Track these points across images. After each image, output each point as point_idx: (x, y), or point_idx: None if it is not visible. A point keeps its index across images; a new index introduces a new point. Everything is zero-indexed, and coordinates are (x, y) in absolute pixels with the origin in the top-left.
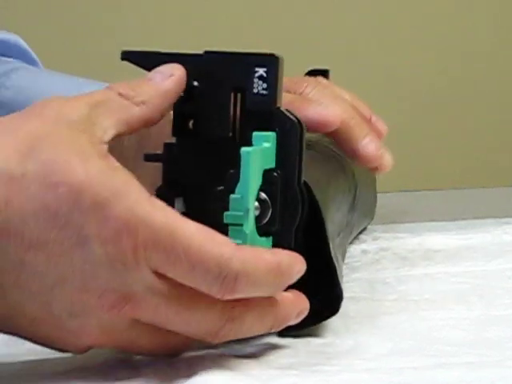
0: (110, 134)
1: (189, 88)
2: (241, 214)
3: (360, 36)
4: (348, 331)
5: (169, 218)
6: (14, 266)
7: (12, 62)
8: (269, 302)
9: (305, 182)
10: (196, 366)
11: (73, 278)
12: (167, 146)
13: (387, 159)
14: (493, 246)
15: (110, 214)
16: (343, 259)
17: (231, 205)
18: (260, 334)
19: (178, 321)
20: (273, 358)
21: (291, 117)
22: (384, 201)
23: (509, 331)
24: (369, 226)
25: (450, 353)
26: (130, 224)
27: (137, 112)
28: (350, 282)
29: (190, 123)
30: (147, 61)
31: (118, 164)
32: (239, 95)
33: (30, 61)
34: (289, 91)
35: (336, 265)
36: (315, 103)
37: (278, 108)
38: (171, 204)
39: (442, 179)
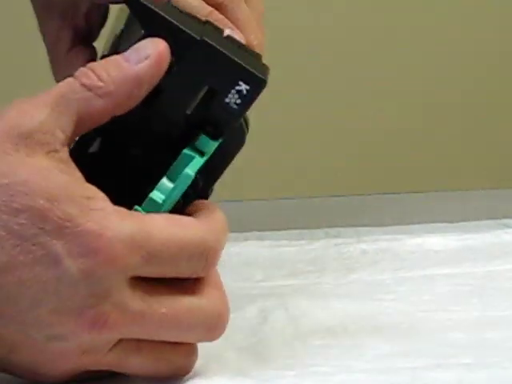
0: (68, 133)
1: None
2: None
3: (355, 36)
4: (346, 332)
5: (138, 222)
6: None
7: None
8: None
9: None
10: (197, 368)
11: (48, 299)
12: None
13: None
14: (493, 246)
15: (79, 230)
16: None
17: (147, 203)
18: None
19: (167, 325)
20: (271, 358)
21: (245, 133)
22: (384, 203)
23: (508, 332)
24: (369, 228)
25: (448, 354)
26: (102, 237)
27: (100, 105)
28: (349, 283)
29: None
30: (145, 19)
31: (79, 174)
32: (210, 93)
33: None
34: None
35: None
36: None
37: (240, 124)
38: (91, 141)
39: (442, 181)
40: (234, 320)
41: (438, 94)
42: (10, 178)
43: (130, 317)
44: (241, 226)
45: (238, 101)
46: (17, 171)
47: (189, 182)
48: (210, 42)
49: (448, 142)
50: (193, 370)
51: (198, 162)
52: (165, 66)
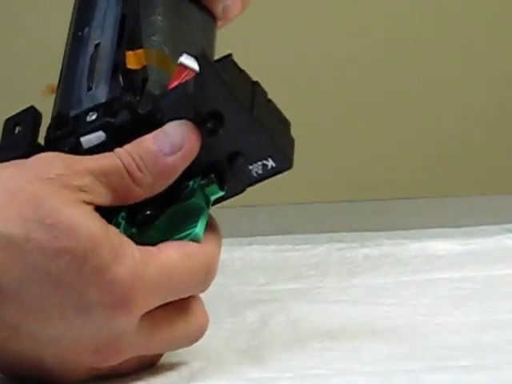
0: (102, 202)
1: (214, 114)
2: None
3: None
4: (346, 335)
5: (159, 264)
6: (7, 327)
7: None
8: None
9: None
10: (196, 370)
11: (69, 337)
12: None
13: None
14: (495, 251)
15: (112, 278)
16: None
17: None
18: None
19: (165, 347)
20: (270, 361)
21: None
22: (388, 208)
23: (506, 335)
24: (372, 233)
25: (446, 356)
26: (132, 288)
27: (137, 192)
28: (351, 288)
29: None
30: (210, 80)
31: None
32: (238, 156)
33: None
34: None
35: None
36: None
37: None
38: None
39: (447, 187)
40: (235, 324)
41: (442, 100)
42: (54, 218)
43: (137, 349)
44: (245, 231)
45: (260, 171)
46: (61, 213)
47: (196, 240)
48: (260, 121)
49: (452, 147)
50: (191, 371)
51: (206, 216)
52: (196, 153)
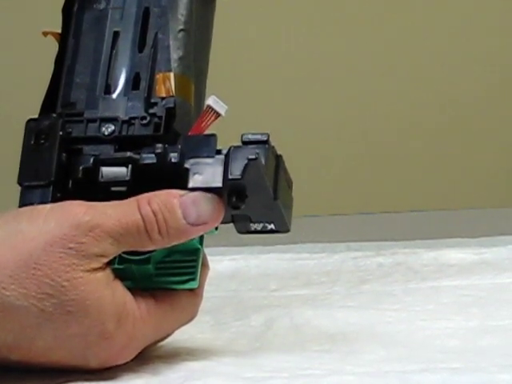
0: (114, 255)
1: (240, 192)
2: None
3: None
4: (345, 339)
5: (154, 325)
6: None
7: None
8: None
9: None
10: (195, 370)
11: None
12: None
13: None
14: (506, 260)
15: (112, 341)
16: None
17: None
18: None
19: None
20: (268, 362)
21: None
22: (406, 220)
23: (501, 340)
24: (389, 243)
25: (439, 359)
26: (127, 346)
27: (148, 247)
28: (359, 294)
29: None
30: (250, 173)
31: (114, 280)
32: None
33: None
34: None
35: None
36: None
37: None
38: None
39: (468, 200)
40: (239, 327)
41: (465, 115)
42: (70, 296)
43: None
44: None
45: (259, 229)
46: (77, 291)
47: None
48: (279, 202)
49: (470, 162)
50: (190, 371)
51: (201, 257)
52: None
